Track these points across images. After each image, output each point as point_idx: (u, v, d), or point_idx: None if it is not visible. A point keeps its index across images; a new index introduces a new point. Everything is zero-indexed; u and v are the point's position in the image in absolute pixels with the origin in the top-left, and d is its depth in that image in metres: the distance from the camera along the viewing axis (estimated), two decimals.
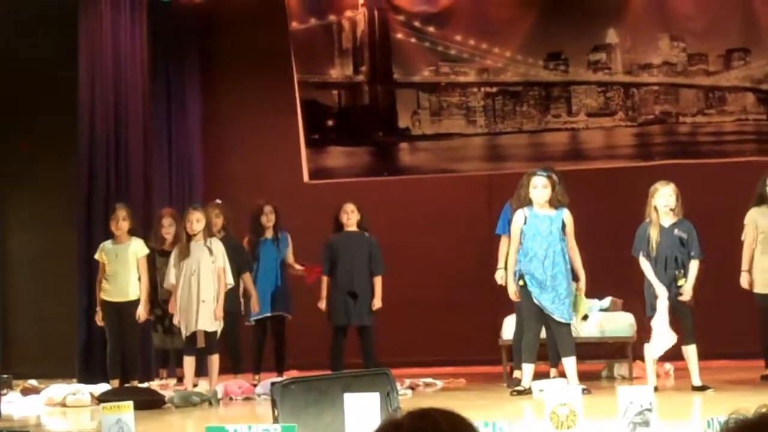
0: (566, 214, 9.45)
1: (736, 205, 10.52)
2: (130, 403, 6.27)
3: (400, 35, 12.51)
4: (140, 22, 12.25)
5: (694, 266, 9.42)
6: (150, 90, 12.42)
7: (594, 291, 10.58)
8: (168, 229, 10.99)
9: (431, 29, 12.47)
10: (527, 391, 9.36)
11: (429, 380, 10.87)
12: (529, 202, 9.45)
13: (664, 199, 9.40)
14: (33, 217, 13.31)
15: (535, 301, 9.37)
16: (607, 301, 11.04)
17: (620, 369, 10.94)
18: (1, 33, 12.89)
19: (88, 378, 11.07)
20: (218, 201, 11.29)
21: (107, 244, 10.76)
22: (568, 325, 9.46)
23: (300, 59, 12.54)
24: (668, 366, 10.84)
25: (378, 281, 10.81)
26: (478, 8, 12.20)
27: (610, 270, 10.83)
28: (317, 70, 12.63)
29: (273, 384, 7.33)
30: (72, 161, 12.05)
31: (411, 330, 12.24)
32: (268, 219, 11.24)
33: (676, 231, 9.40)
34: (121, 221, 10.68)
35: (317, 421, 6.96)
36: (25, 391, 10.77)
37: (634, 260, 9.73)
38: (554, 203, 9.45)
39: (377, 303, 10.75)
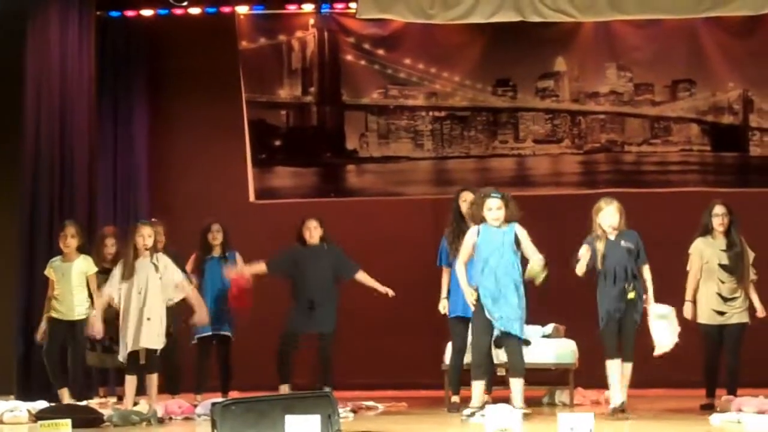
0: (518, 228, 9.54)
1: (680, 235, 10.59)
2: (68, 422, 6.22)
3: (349, 57, 12.54)
4: (89, 38, 12.16)
5: (646, 272, 9.53)
6: (97, 107, 12.33)
7: (537, 317, 10.61)
8: (111, 248, 10.93)
9: (381, 52, 12.50)
10: (480, 409, 9.27)
11: (370, 403, 10.84)
12: (482, 221, 9.52)
13: (608, 219, 9.52)
14: None
15: (487, 315, 9.38)
16: (549, 327, 11.08)
17: (561, 395, 10.97)
18: None
19: (26, 395, 10.94)
20: (153, 220, 11.30)
21: (56, 261, 10.66)
22: (520, 341, 9.47)
23: (248, 78, 12.52)
24: (607, 394, 10.88)
25: (363, 276, 11.03)
26: (428, 32, 12.24)
27: (552, 296, 10.86)
28: (266, 89, 12.62)
29: (213, 404, 7.29)
30: (15, 177, 11.92)
31: (353, 352, 12.20)
32: (215, 237, 11.22)
33: (622, 242, 9.49)
34: (70, 238, 10.60)
35: None
36: None
37: (578, 286, 9.77)
38: (507, 220, 9.56)
39: (381, 288, 11.00)
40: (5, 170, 12.41)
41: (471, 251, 9.54)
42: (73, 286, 10.58)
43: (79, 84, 12.00)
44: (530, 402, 9.83)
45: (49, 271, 10.64)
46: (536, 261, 9.38)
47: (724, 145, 12.28)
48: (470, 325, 9.70)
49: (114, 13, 12.85)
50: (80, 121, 11.98)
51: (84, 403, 10.50)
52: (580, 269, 9.49)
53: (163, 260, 9.99)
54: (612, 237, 9.53)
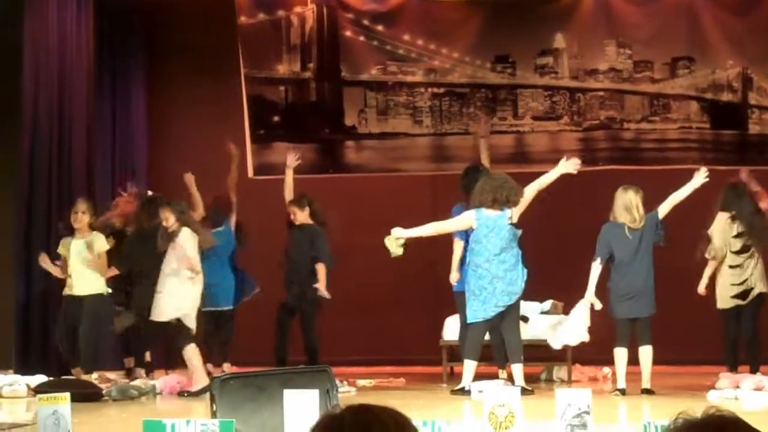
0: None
1: (678, 212, 10.58)
2: (67, 395, 6.20)
3: (348, 33, 12.50)
4: (86, 15, 12.12)
5: None
6: (95, 84, 12.30)
7: (535, 294, 10.63)
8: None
9: (380, 28, 12.47)
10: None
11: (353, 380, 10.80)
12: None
13: None
14: None
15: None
16: (548, 304, 11.10)
17: (559, 372, 11.00)
18: None
19: (25, 369, 10.97)
20: (150, 192, 11.36)
21: (68, 239, 10.69)
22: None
23: (247, 54, 12.49)
24: (606, 370, 10.93)
25: (320, 268, 10.82)
26: (427, 8, 12.22)
27: (551, 273, 10.89)
28: (264, 65, 12.59)
29: (212, 379, 7.30)
30: (14, 157, 11.90)
31: (352, 329, 12.23)
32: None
33: None
34: (81, 215, 10.63)
35: (256, 416, 6.93)
36: None
37: (575, 264, 9.79)
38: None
39: (321, 288, 10.76)
40: (3, 149, 12.37)
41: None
42: (86, 264, 10.61)
43: (77, 61, 11.97)
44: (528, 379, 9.86)
45: (61, 249, 10.70)
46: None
47: (723, 123, 12.27)
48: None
49: None
50: (78, 99, 11.95)
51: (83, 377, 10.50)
52: None
53: (184, 235, 10.12)
54: None
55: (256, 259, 11.40)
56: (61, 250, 10.73)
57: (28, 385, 10.00)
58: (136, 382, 10.06)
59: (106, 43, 12.82)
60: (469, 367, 9.57)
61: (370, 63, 12.56)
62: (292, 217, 10.93)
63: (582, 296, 9.74)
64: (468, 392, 9.36)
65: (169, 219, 10.12)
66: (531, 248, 9.87)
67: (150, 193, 11.40)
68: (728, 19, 12.16)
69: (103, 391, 9.63)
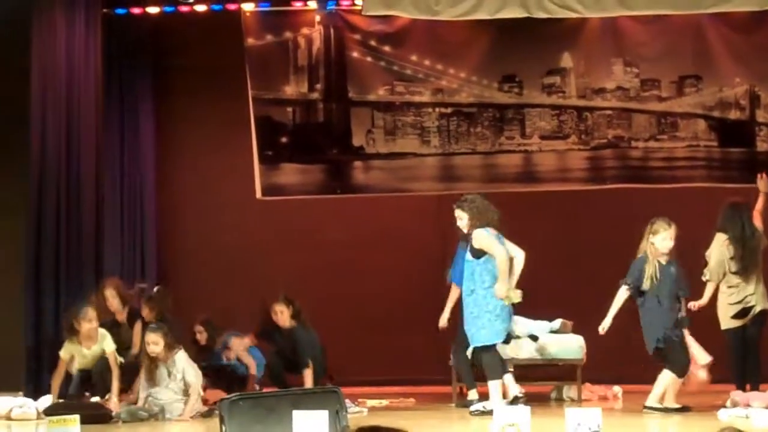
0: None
1: (686, 231, 10.58)
2: (77, 417, 6.22)
3: (355, 54, 12.52)
4: (95, 36, 12.13)
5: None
6: (103, 105, 12.29)
7: (544, 313, 10.62)
8: (111, 301, 10.94)
9: (387, 48, 12.49)
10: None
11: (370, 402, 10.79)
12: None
13: (668, 241, 9.57)
14: None
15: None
16: (557, 322, 11.07)
17: (569, 391, 10.97)
18: None
19: (35, 392, 10.96)
20: (158, 288, 11.41)
21: (74, 346, 10.36)
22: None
23: (255, 75, 12.52)
24: (617, 389, 10.90)
25: (307, 375, 10.75)
26: (434, 29, 12.23)
27: (560, 292, 10.88)
28: (272, 86, 12.61)
29: (221, 400, 7.30)
30: (22, 175, 11.92)
31: (361, 349, 12.21)
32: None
33: (672, 269, 9.53)
34: (88, 323, 10.26)
35: None
36: None
37: (584, 282, 9.78)
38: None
39: None
40: (11, 171, 12.40)
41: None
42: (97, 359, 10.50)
43: (85, 82, 11.98)
44: (538, 398, 9.84)
45: (66, 354, 10.37)
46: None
47: (731, 141, 12.26)
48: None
49: (120, 11, 12.84)
50: (87, 119, 11.96)
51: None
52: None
53: (180, 363, 9.86)
54: (663, 261, 9.55)
55: (259, 281, 11.40)
56: (65, 355, 10.38)
57: (37, 408, 9.99)
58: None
59: (115, 65, 12.84)
60: (498, 386, 9.51)
61: (377, 83, 12.57)
62: (277, 316, 10.91)
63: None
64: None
65: (158, 343, 9.80)
66: (539, 267, 9.86)
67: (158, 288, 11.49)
68: (735, 37, 12.17)
69: (113, 413, 9.62)
